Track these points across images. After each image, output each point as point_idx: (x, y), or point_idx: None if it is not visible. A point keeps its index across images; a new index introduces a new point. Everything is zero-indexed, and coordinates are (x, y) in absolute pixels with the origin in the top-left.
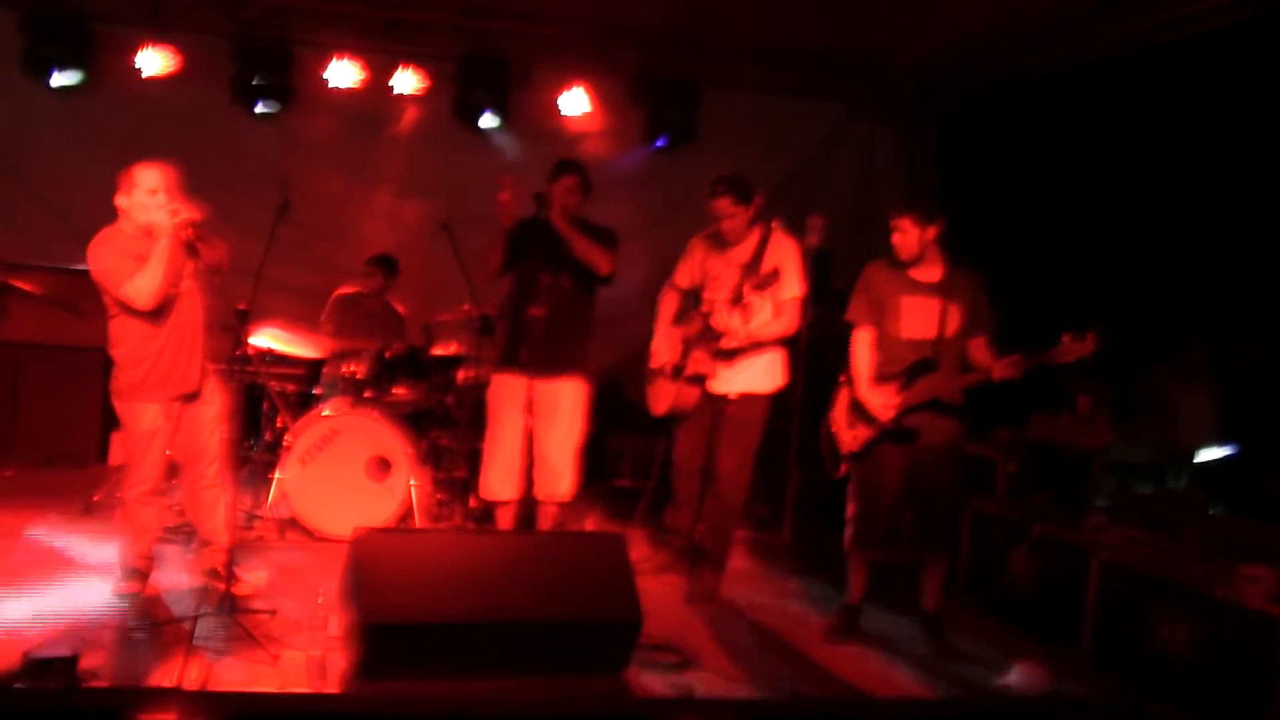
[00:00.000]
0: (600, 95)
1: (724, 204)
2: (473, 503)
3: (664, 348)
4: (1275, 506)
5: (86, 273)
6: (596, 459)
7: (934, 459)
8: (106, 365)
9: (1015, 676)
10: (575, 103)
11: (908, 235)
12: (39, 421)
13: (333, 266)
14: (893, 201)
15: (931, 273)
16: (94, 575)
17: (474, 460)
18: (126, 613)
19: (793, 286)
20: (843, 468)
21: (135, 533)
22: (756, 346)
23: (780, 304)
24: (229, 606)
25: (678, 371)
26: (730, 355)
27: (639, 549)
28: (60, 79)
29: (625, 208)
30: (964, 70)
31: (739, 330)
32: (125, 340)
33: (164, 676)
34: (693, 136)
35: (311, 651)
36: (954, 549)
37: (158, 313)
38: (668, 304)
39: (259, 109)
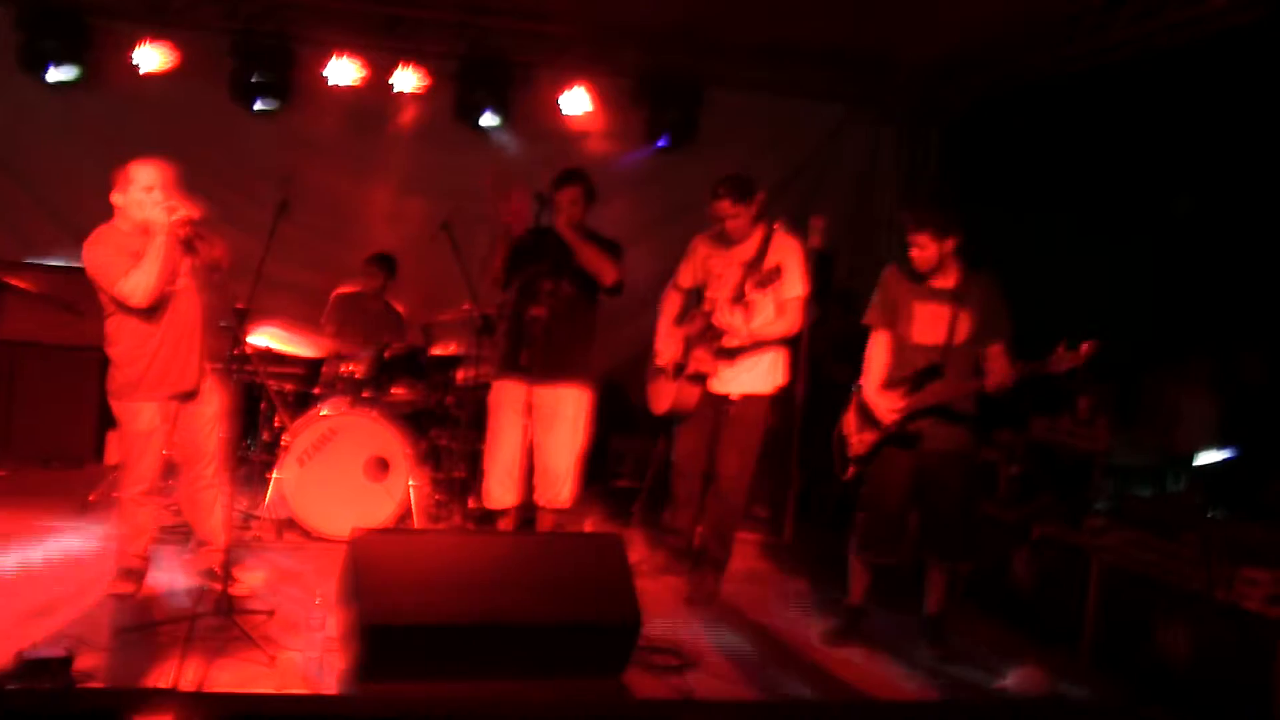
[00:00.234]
0: (601, 94)
1: (724, 205)
2: (471, 503)
3: (666, 347)
4: (1275, 510)
5: (83, 271)
6: (597, 459)
7: (943, 466)
8: (103, 364)
9: (1015, 678)
10: (576, 102)
11: (926, 250)
12: (35, 421)
13: (332, 265)
14: (907, 211)
15: (946, 279)
16: (89, 575)
17: (473, 461)
18: (122, 613)
19: (795, 286)
20: (850, 470)
21: (131, 532)
22: (758, 346)
23: (782, 303)
24: (226, 607)
25: (679, 370)
26: (732, 354)
27: (637, 550)
28: (57, 75)
29: (626, 208)
30: (968, 71)
31: (740, 329)
32: (121, 339)
33: (160, 677)
34: (694, 136)
35: (309, 652)
36: (967, 559)
37: (153, 311)
38: (670, 303)
39: (258, 106)
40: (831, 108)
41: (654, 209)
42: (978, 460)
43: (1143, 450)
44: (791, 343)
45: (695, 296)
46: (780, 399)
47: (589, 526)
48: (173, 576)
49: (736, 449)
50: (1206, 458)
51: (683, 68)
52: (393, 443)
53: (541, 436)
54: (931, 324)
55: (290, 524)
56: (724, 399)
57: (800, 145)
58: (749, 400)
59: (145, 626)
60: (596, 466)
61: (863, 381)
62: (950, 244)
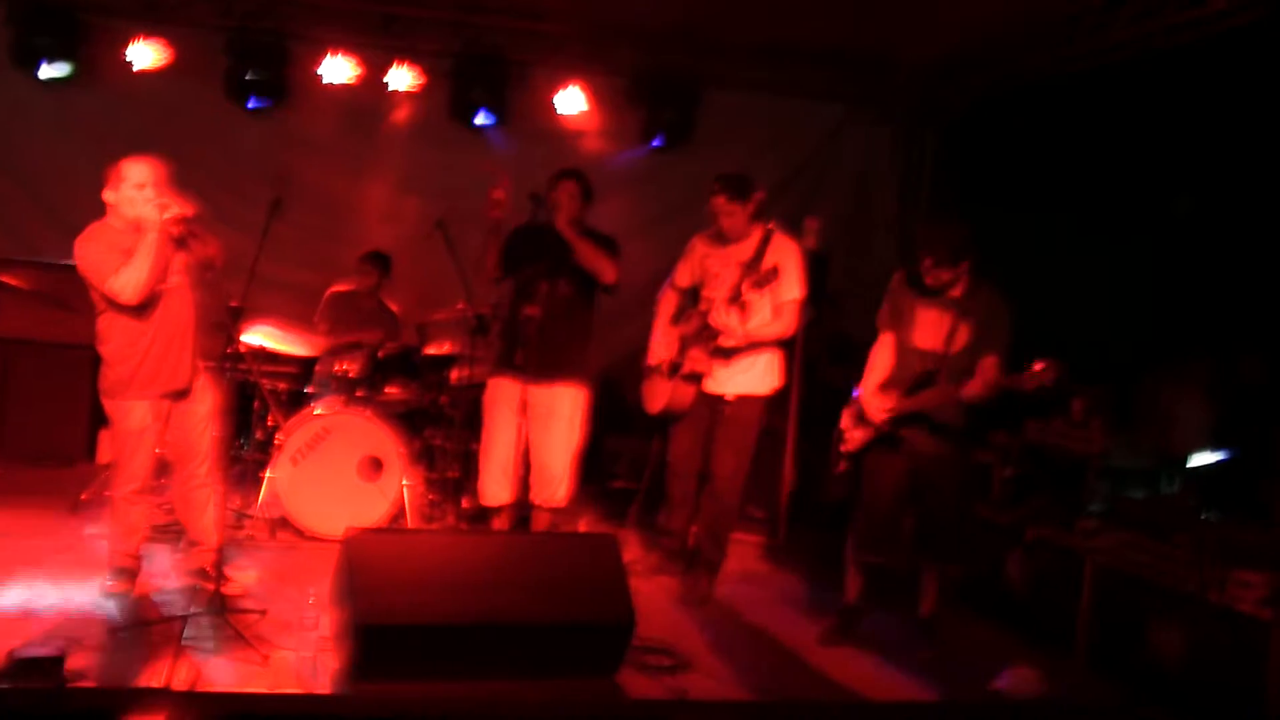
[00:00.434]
0: (597, 94)
1: (719, 201)
2: (465, 503)
3: (661, 345)
4: (1268, 512)
5: (76, 268)
6: (593, 460)
7: (937, 469)
8: (95, 362)
9: (1009, 680)
10: (572, 101)
11: (942, 278)
12: (27, 419)
13: (326, 264)
14: (922, 242)
15: (953, 289)
16: (81, 574)
17: (467, 460)
18: (114, 612)
19: (793, 288)
20: (842, 465)
21: (124, 532)
22: (753, 347)
23: (779, 305)
24: (219, 606)
25: (674, 369)
26: (727, 354)
27: (631, 550)
28: (49, 71)
29: (623, 207)
30: (967, 72)
31: (736, 329)
32: (113, 336)
33: (153, 677)
34: (691, 136)
35: (302, 652)
36: (959, 561)
37: (145, 308)
38: (667, 303)
39: (252, 104)
40: (829, 108)
41: (651, 209)
42: (971, 464)
43: (1137, 452)
44: (787, 344)
45: (692, 296)
46: (775, 400)
47: (583, 527)
48: (165, 576)
49: (732, 450)
50: (1201, 460)
51: (680, 67)
52: (386, 442)
53: (537, 435)
54: (932, 329)
55: (283, 523)
56: (719, 399)
57: (798, 146)
58: (744, 401)
59: (138, 626)
60: (592, 467)
61: (863, 380)
62: (963, 267)
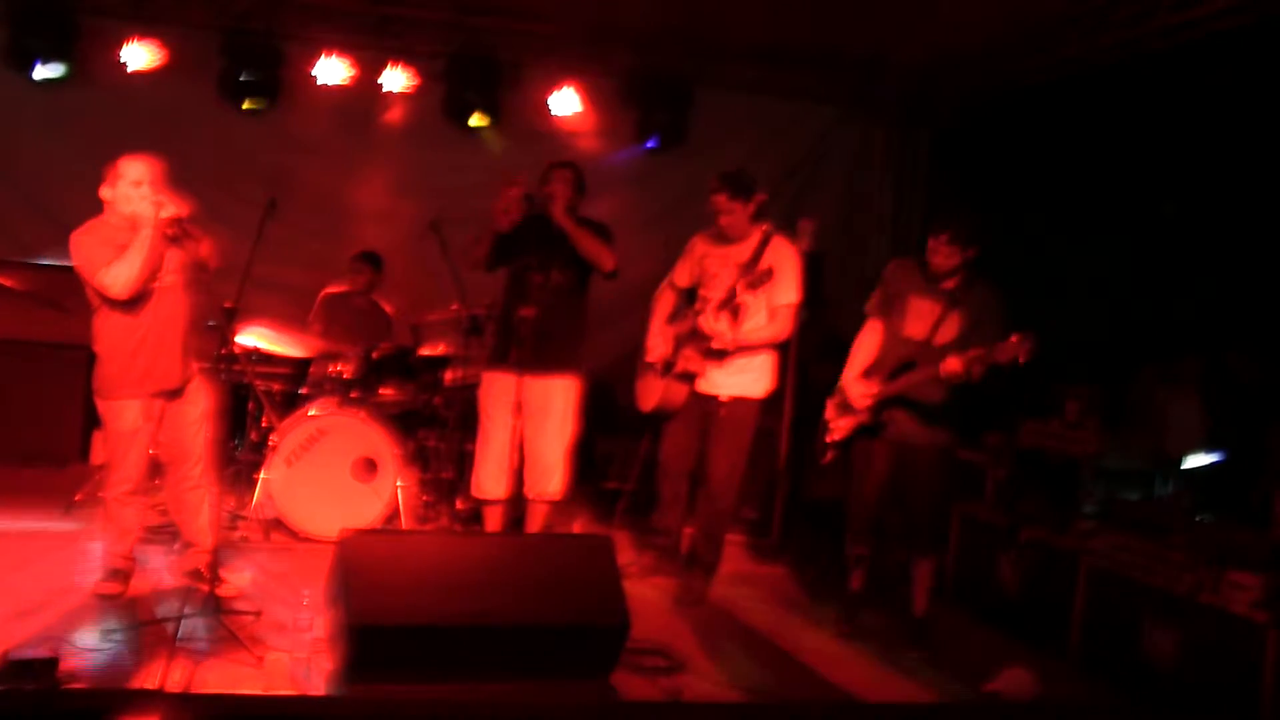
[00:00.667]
0: (591, 95)
1: (720, 199)
2: (460, 504)
3: (657, 344)
4: (1262, 513)
5: (69, 269)
6: (585, 460)
7: (920, 462)
8: (89, 362)
9: (1003, 681)
10: (566, 102)
11: (950, 259)
12: (20, 419)
13: (321, 264)
14: (939, 215)
15: (950, 281)
16: (75, 576)
17: (461, 461)
18: (108, 614)
19: (789, 292)
20: (829, 455)
21: (117, 533)
22: (745, 349)
23: (774, 309)
24: (213, 608)
25: (668, 368)
26: (720, 355)
27: (624, 552)
28: (44, 72)
29: (616, 208)
30: (959, 73)
31: (724, 334)
32: (106, 334)
33: (146, 678)
34: (684, 137)
35: (297, 653)
36: (939, 551)
37: (136, 305)
38: (664, 302)
39: (246, 105)
40: (823, 109)
41: (644, 209)
42: (954, 452)
43: (1131, 454)
44: (781, 347)
45: (689, 295)
46: (769, 402)
47: (578, 528)
48: (159, 577)
49: (726, 452)
50: (1195, 461)
51: (673, 69)
52: (381, 443)
53: (531, 429)
54: (921, 318)
55: (278, 524)
56: (712, 399)
57: (791, 147)
58: (738, 402)
59: (131, 627)
60: (584, 468)
61: (847, 365)
62: (971, 253)
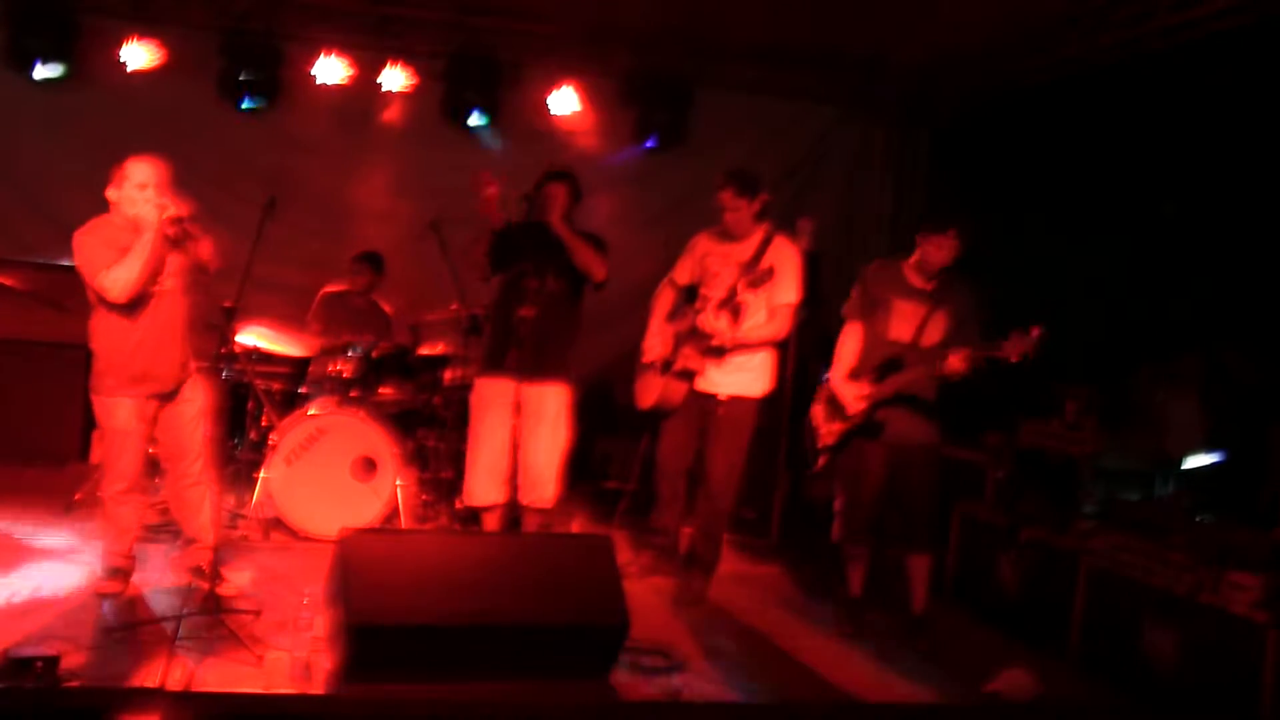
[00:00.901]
0: (590, 95)
1: (726, 195)
2: (459, 504)
3: (656, 342)
4: (1262, 514)
5: (69, 268)
6: (584, 460)
7: (912, 459)
8: (89, 362)
9: (1003, 682)
10: (565, 102)
11: (945, 253)
12: (19, 419)
13: (320, 264)
14: (939, 213)
15: (930, 281)
16: (75, 574)
17: (460, 461)
18: (108, 612)
19: (789, 292)
20: (821, 460)
21: (116, 531)
22: (743, 347)
23: (774, 308)
24: (213, 607)
25: (667, 366)
26: (719, 352)
27: (623, 551)
28: (43, 72)
29: (615, 208)
30: (959, 73)
31: (724, 332)
32: (102, 334)
33: (146, 677)
34: (683, 137)
35: (296, 652)
36: (938, 548)
37: (134, 308)
38: (664, 300)
39: (245, 105)
40: (822, 109)
41: (643, 209)
42: (943, 452)
43: (1131, 454)
44: (780, 346)
45: (690, 294)
46: (768, 401)
47: (576, 528)
48: (159, 575)
49: (725, 452)
50: (1195, 461)
51: (673, 69)
52: (380, 442)
53: (525, 434)
54: (906, 321)
55: (277, 523)
56: (711, 398)
57: (791, 147)
58: (737, 401)
59: (131, 625)
60: (583, 468)
61: (832, 370)
62: (962, 248)
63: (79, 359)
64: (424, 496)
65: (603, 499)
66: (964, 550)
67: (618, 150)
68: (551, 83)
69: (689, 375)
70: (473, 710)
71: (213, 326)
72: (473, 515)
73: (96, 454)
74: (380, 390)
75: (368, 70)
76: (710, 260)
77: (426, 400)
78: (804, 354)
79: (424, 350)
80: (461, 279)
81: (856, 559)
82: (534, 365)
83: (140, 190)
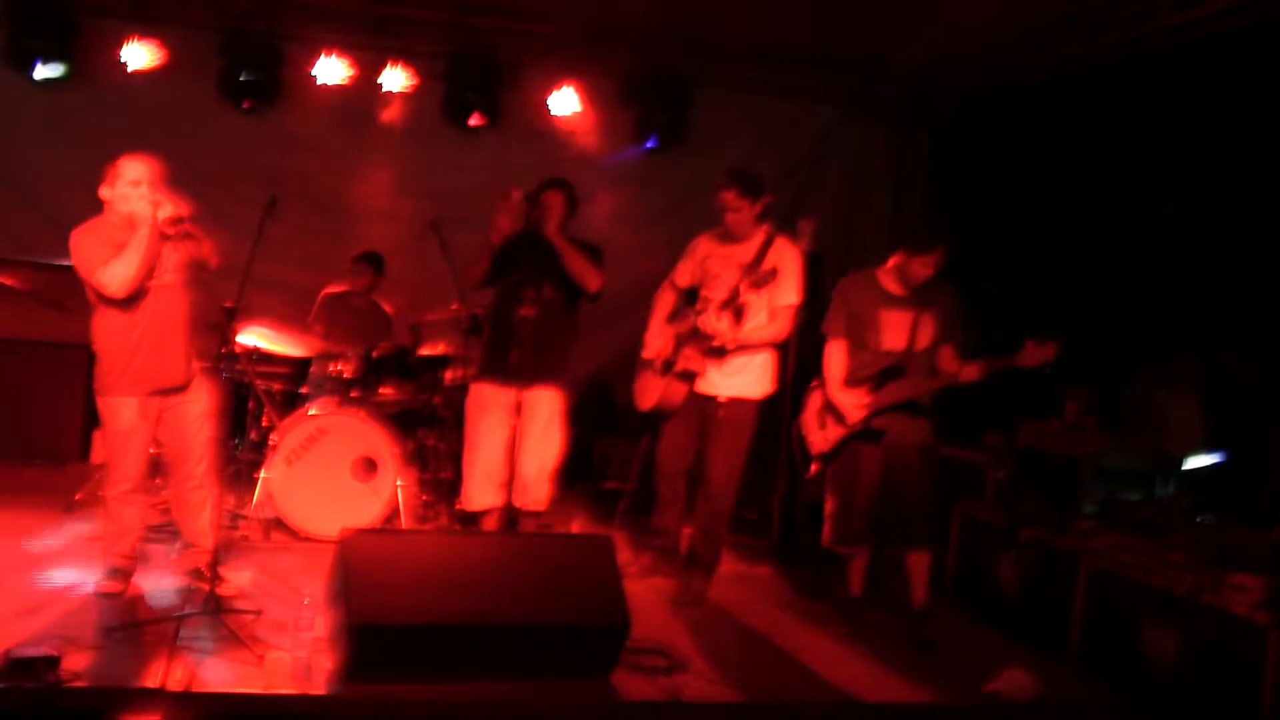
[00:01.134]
0: (590, 95)
1: (729, 195)
2: (459, 504)
3: (655, 342)
4: (1262, 514)
5: (69, 268)
6: (584, 461)
7: (907, 457)
8: (90, 362)
9: (1003, 682)
10: (565, 102)
11: (929, 270)
12: (20, 419)
13: (321, 264)
14: (920, 235)
15: (908, 287)
16: (76, 574)
17: (459, 461)
18: (109, 612)
19: (790, 293)
20: (814, 467)
21: (117, 532)
22: (745, 349)
23: (775, 309)
24: (214, 607)
25: (667, 367)
26: (720, 353)
27: (623, 552)
28: (44, 72)
29: (615, 208)
30: (959, 74)
31: (725, 333)
32: (104, 333)
33: (147, 677)
34: (683, 137)
35: (297, 653)
36: (937, 543)
37: (134, 304)
38: (664, 301)
39: (246, 105)
40: (822, 110)
41: (643, 210)
42: (938, 452)
43: (1131, 454)
44: (780, 348)
45: (690, 296)
46: (768, 403)
47: (577, 528)
48: (160, 576)
49: (725, 453)
50: (1195, 462)
51: (673, 69)
52: (380, 443)
53: (521, 438)
54: (896, 330)
55: (278, 524)
56: (711, 399)
57: (791, 147)
58: (737, 403)
59: (132, 626)
60: (583, 468)
61: (826, 384)
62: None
63: (79, 359)
64: (424, 497)
65: (603, 499)
66: (964, 550)
67: (618, 150)
68: (552, 83)
69: (690, 377)
70: (473, 710)
71: (213, 326)
72: (473, 515)
73: (97, 454)
74: (381, 390)
75: (368, 70)
76: (711, 262)
77: (427, 400)
78: (804, 356)
79: (424, 350)
80: (461, 279)
81: (856, 559)
82: (534, 367)
83: (133, 187)
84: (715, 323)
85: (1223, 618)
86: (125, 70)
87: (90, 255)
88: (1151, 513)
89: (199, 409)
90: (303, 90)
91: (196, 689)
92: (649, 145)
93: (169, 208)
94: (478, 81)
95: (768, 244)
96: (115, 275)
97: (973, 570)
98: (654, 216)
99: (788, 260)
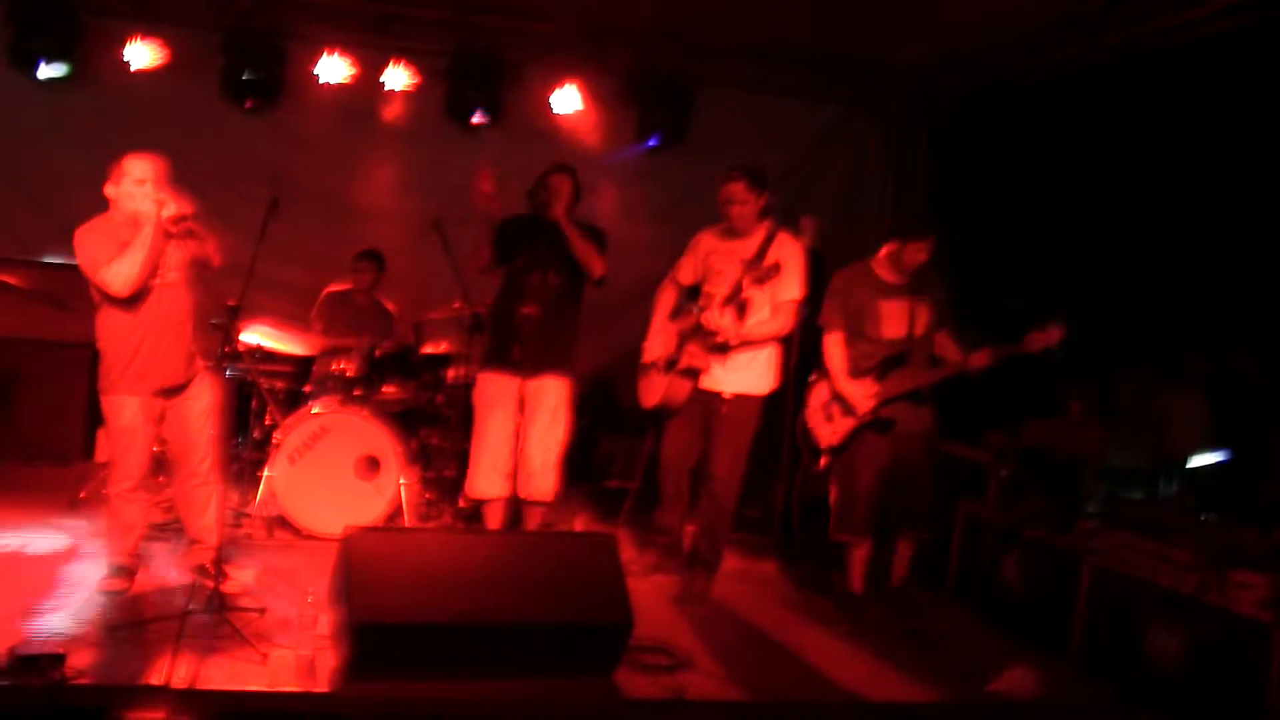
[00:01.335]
0: (592, 93)
1: (738, 189)
2: (462, 502)
3: (658, 340)
4: (1266, 513)
5: (72, 267)
6: (587, 459)
7: (911, 446)
8: (93, 360)
9: (1006, 681)
10: (567, 101)
11: (923, 253)
12: (24, 417)
13: (323, 263)
14: (915, 223)
15: (903, 275)
16: (80, 572)
17: (463, 459)
18: (114, 610)
19: (792, 288)
20: (823, 460)
21: (121, 529)
22: (749, 344)
23: (778, 305)
24: (217, 605)
25: (670, 364)
26: (724, 349)
27: (627, 550)
28: (47, 71)
29: (617, 206)
30: (960, 74)
31: (729, 329)
32: (107, 331)
33: (152, 674)
34: (685, 136)
35: (300, 650)
36: (932, 531)
37: (136, 302)
38: (666, 298)
39: (248, 104)
40: (823, 109)
41: (645, 207)
42: (944, 446)
43: (1135, 453)
44: (784, 343)
45: (692, 292)
46: (772, 399)
47: (580, 526)
48: (164, 573)
49: (729, 450)
50: (1199, 461)
51: (674, 68)
52: (383, 441)
53: (527, 429)
54: (896, 319)
55: (281, 522)
56: (715, 396)
57: (792, 146)
58: (741, 400)
59: (137, 623)
60: (586, 466)
61: (831, 377)
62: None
63: (82, 357)
64: (427, 495)
65: (606, 497)
66: (967, 549)
67: (619, 149)
68: (554, 81)
69: (694, 373)
70: (476, 708)
71: (217, 325)
72: (476, 513)
73: (101, 452)
74: (383, 389)
75: (370, 69)
76: (714, 258)
77: (430, 399)
78: (807, 351)
79: (427, 349)
80: (464, 277)
81: (857, 552)
82: (537, 361)
83: (138, 186)
84: (718, 319)
85: (1226, 617)
86: (128, 70)
87: (94, 253)
88: (1155, 512)
89: (202, 405)
90: (305, 89)
91: (200, 686)
92: (651, 143)
93: (173, 206)
94: (480, 80)
95: (770, 239)
96: (119, 274)
97: (975, 569)
98: (656, 214)
99: (790, 255)
